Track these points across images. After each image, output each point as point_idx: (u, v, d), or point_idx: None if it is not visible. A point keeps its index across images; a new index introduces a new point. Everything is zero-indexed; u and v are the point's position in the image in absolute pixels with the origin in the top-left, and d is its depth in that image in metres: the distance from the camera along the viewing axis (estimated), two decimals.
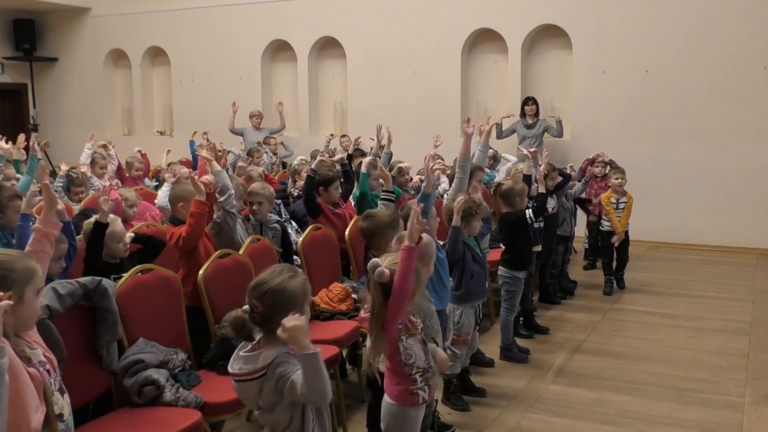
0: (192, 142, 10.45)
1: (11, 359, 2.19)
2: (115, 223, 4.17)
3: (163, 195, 5.88)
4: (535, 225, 6.08)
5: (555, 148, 10.07)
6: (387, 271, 2.91)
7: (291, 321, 2.36)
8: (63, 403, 2.45)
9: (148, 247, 4.42)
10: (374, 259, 2.96)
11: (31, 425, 2.22)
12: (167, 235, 4.51)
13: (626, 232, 7.49)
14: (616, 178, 7.43)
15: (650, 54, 9.59)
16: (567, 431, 4.31)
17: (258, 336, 2.58)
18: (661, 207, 9.55)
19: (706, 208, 9.41)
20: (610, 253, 7.50)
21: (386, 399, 3.15)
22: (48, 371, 2.40)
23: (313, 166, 5.95)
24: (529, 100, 10.03)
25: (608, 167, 7.97)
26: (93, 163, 7.62)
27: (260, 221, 5.23)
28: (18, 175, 6.48)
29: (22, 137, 7.67)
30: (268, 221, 5.27)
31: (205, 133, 10.19)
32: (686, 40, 9.39)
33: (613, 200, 7.42)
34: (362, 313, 3.08)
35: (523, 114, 10.08)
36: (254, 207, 5.19)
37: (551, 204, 6.71)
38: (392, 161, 7.36)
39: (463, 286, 4.53)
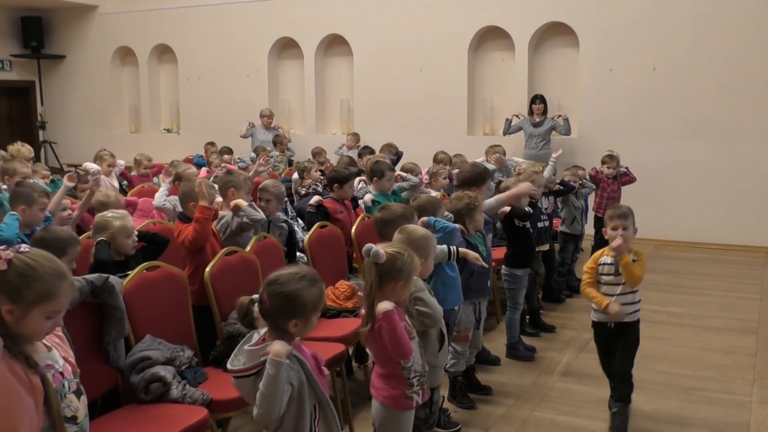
0: (198, 156, 10.51)
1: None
2: (126, 218, 4.16)
3: (160, 196, 5.87)
4: (539, 225, 6.07)
5: (562, 146, 10.03)
6: (383, 251, 2.97)
7: (275, 346, 2.45)
8: (78, 405, 2.36)
9: (151, 245, 4.41)
10: (369, 244, 3.02)
11: None
12: (176, 231, 4.53)
13: (633, 325, 4.28)
14: (614, 227, 4.14)
15: (658, 52, 9.56)
16: (573, 429, 4.30)
17: (263, 327, 2.60)
18: (668, 205, 9.52)
19: (713, 207, 9.38)
20: (606, 359, 4.41)
21: (378, 404, 3.15)
22: (61, 373, 2.32)
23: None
24: (536, 99, 10.02)
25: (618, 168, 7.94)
26: (100, 160, 7.60)
27: (268, 218, 5.26)
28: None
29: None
30: (276, 219, 5.31)
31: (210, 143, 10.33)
32: (694, 38, 9.35)
33: (608, 261, 4.20)
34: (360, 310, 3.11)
35: (530, 112, 10.07)
36: (263, 203, 5.25)
37: (546, 204, 6.71)
38: (405, 163, 7.37)
39: (463, 284, 4.52)
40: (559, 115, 9.90)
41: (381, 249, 2.99)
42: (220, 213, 4.83)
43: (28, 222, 4.52)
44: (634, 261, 4.16)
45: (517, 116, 10.15)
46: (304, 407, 2.55)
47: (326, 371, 2.75)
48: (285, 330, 2.55)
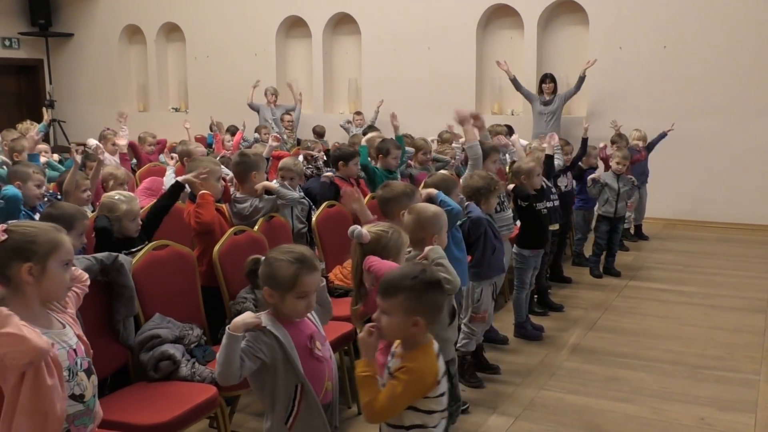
0: (210, 136, 10.51)
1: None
2: (133, 202, 4.17)
3: (168, 179, 5.87)
4: (549, 204, 6.04)
5: (571, 124, 10.02)
6: (366, 231, 3.03)
7: (239, 318, 2.50)
8: (87, 384, 2.42)
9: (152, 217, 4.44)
10: (354, 225, 3.11)
11: (56, 412, 2.23)
12: (185, 212, 4.54)
13: None
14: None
15: (668, 29, 9.47)
16: (581, 408, 4.32)
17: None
18: (677, 184, 9.48)
19: (723, 185, 9.34)
20: None
21: None
22: (75, 351, 2.38)
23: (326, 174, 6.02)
24: (546, 78, 9.96)
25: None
26: (104, 139, 7.53)
27: None
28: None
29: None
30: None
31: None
32: (704, 15, 9.25)
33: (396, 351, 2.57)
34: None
35: (540, 91, 10.02)
36: (286, 181, 5.32)
37: (564, 182, 6.69)
38: (416, 139, 7.35)
39: (485, 262, 4.55)
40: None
41: (364, 229, 3.05)
42: (241, 196, 4.84)
43: (25, 198, 4.50)
44: (390, 377, 2.32)
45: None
46: (277, 383, 2.57)
47: (320, 354, 2.66)
48: (265, 298, 2.61)
